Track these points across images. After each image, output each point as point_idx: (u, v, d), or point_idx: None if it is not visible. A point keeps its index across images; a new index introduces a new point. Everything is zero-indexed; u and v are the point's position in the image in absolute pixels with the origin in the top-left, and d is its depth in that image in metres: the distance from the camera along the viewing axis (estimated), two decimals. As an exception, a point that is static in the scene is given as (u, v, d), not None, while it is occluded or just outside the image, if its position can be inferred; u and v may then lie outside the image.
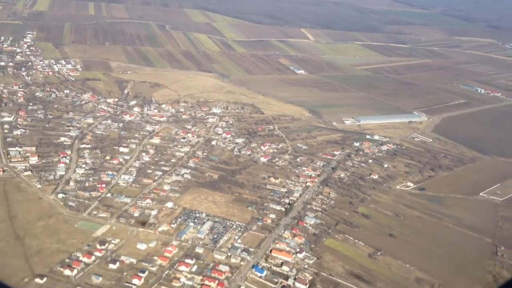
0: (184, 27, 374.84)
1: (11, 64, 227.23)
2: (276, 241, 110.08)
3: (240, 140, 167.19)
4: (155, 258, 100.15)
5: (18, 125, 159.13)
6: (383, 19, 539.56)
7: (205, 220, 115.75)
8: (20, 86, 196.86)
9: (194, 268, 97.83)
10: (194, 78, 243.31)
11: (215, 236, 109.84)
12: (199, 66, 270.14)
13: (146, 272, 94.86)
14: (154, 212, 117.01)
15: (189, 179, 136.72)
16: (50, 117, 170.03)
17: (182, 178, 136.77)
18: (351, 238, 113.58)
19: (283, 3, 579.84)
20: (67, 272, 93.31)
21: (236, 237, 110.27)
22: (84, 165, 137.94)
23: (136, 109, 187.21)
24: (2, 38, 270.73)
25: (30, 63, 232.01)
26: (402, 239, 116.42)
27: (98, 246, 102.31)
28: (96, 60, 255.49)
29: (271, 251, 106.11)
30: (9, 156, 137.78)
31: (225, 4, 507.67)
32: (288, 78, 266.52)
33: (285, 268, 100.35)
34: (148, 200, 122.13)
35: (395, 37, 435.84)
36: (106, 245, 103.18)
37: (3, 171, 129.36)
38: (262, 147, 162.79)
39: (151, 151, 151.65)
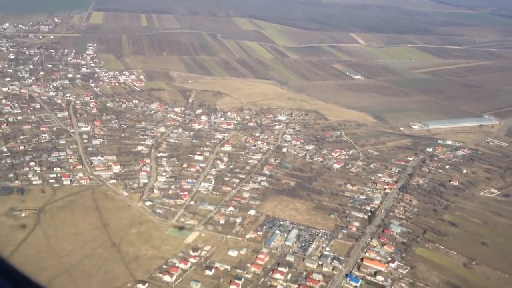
0: (234, 36, 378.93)
1: (78, 76, 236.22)
2: (365, 250, 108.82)
3: (310, 147, 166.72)
4: (248, 265, 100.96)
5: (95, 135, 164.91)
6: (432, 21, 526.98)
7: (290, 228, 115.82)
8: (91, 97, 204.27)
9: (289, 277, 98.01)
10: (253, 85, 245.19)
11: (303, 244, 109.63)
12: (255, 74, 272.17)
13: (242, 279, 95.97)
14: (238, 220, 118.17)
15: (267, 186, 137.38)
16: (124, 126, 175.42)
17: (260, 185, 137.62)
18: (442, 247, 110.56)
19: (328, 8, 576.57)
20: (166, 278, 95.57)
21: (324, 245, 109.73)
22: (164, 173, 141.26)
23: (203, 117, 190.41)
24: (66, 51, 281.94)
25: (96, 75, 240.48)
26: (496, 248, 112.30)
27: (191, 253, 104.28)
28: (157, 70, 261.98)
29: (362, 260, 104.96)
30: (92, 165, 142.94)
31: (271, 12, 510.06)
32: (346, 84, 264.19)
33: (379, 278, 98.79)
34: (231, 208, 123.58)
35: (448, 39, 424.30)
36: (199, 251, 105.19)
37: (90, 180, 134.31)
38: (333, 154, 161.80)
39: (225, 159, 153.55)
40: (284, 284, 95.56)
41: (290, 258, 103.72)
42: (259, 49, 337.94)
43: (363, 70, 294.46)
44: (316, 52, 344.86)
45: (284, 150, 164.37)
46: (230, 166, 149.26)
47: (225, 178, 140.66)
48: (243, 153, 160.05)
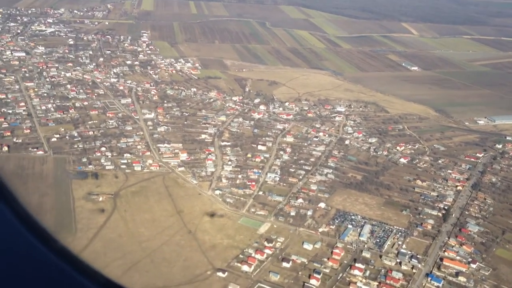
0: (283, 24, 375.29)
1: (136, 62, 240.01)
2: (444, 249, 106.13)
3: (373, 140, 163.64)
4: (325, 259, 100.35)
5: (160, 122, 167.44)
6: (486, 11, 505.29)
7: (362, 223, 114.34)
8: (151, 84, 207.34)
9: (367, 273, 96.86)
10: (308, 76, 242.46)
11: (378, 240, 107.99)
12: (309, 64, 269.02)
13: (321, 274, 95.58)
14: (309, 212, 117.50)
15: (333, 179, 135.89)
16: (186, 114, 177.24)
17: (326, 178, 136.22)
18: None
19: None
20: (244, 268, 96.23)
21: (400, 243, 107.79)
22: (229, 163, 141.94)
23: (262, 107, 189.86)
24: (122, 37, 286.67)
25: (153, 62, 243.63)
26: None
27: (266, 244, 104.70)
28: (211, 58, 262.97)
29: (441, 259, 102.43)
30: (160, 152, 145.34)
31: (319, 0, 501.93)
32: (402, 75, 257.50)
33: (461, 279, 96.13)
34: (300, 200, 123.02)
35: (505, 30, 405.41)
36: (273, 243, 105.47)
37: (159, 166, 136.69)
38: (398, 148, 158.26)
39: (288, 150, 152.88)
40: (364, 280, 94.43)
41: (366, 254, 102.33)
42: (310, 38, 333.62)
43: (419, 61, 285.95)
44: (368, 42, 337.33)
45: (347, 142, 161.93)
46: (294, 157, 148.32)
47: (291, 169, 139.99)
48: (305, 144, 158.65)
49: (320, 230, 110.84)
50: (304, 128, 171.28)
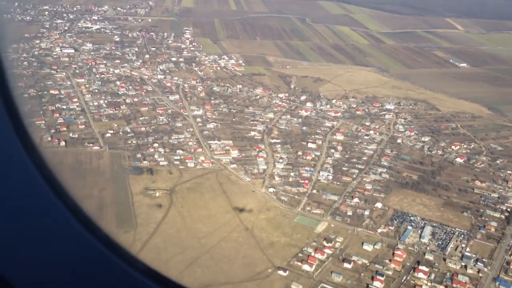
0: (324, 20, 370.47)
1: (181, 59, 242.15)
2: (510, 253, 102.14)
3: (426, 139, 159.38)
4: (387, 261, 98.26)
5: (208, 119, 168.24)
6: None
7: (422, 224, 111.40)
8: (197, 81, 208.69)
9: (432, 276, 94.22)
10: (353, 72, 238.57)
11: (440, 243, 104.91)
12: (353, 60, 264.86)
13: (384, 276, 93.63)
14: (366, 212, 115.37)
15: (388, 178, 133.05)
16: (234, 111, 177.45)
17: (380, 177, 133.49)
18: None
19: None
20: (305, 267, 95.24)
21: (463, 245, 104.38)
22: (281, 160, 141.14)
23: (308, 104, 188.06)
24: (165, 34, 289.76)
25: (197, 59, 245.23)
26: None
27: (325, 243, 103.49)
28: (253, 55, 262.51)
29: (508, 263, 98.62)
30: (211, 149, 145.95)
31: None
32: (451, 72, 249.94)
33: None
34: (356, 199, 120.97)
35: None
36: (333, 242, 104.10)
37: (212, 163, 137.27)
38: (453, 147, 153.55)
39: (339, 148, 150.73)
40: (429, 284, 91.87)
41: (429, 257, 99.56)
42: (352, 34, 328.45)
43: (467, 57, 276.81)
44: (412, 37, 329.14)
45: (399, 141, 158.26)
46: (346, 156, 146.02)
47: (343, 168, 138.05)
48: (356, 142, 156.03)
49: (379, 230, 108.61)
50: (354, 126, 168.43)
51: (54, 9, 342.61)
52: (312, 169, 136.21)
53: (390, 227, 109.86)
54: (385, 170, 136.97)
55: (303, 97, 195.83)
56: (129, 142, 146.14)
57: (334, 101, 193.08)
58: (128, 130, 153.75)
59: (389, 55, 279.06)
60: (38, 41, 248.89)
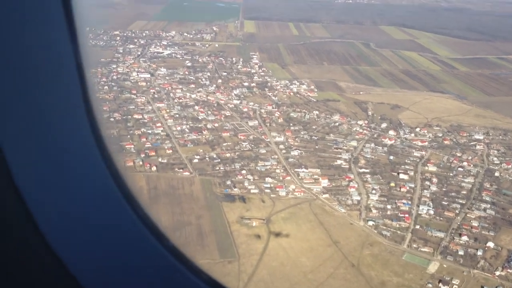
0: (388, 45, 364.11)
1: (253, 84, 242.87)
2: None
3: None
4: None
5: (291, 146, 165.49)
6: None
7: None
8: (273, 106, 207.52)
9: None
10: (431, 99, 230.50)
11: None
12: (427, 86, 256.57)
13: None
14: (479, 252, 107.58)
15: (494, 215, 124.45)
16: (315, 138, 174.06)
17: (485, 213, 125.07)
18: None
19: (481, 16, 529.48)
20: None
21: None
22: (373, 191, 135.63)
23: (391, 132, 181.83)
24: (234, 59, 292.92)
25: (268, 84, 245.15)
26: None
27: (441, 286, 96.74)
28: (324, 80, 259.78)
29: None
30: (300, 177, 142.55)
31: (420, 20, 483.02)
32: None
33: None
34: (465, 237, 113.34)
35: None
36: (449, 285, 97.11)
37: (303, 192, 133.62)
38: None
39: (434, 180, 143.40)
40: None
41: None
42: (421, 60, 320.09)
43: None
44: (486, 64, 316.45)
45: (497, 174, 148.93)
46: (443, 189, 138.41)
47: (443, 202, 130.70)
48: (451, 174, 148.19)
49: (497, 273, 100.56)
50: (445, 157, 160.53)
51: (124, 34, 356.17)
52: (409, 202, 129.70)
53: (509, 270, 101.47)
54: (489, 206, 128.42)
55: (383, 125, 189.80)
56: (217, 168, 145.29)
57: (417, 129, 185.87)
58: (214, 156, 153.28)
59: (464, 81, 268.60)
60: (114, 66, 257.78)
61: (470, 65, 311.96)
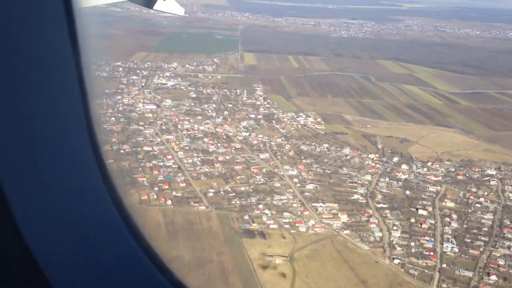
0: (388, 79, 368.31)
1: (259, 116, 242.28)
2: None
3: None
4: None
5: (305, 179, 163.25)
6: None
7: None
8: (283, 139, 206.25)
9: None
10: (438, 133, 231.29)
11: None
12: (432, 120, 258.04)
13: None
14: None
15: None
16: (328, 172, 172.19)
17: (510, 251, 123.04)
18: None
19: (474, 52, 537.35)
20: None
21: None
22: (395, 227, 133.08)
23: (404, 166, 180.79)
24: (238, 91, 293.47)
25: (275, 116, 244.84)
26: None
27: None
28: (329, 113, 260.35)
29: None
30: (318, 212, 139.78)
31: (416, 55, 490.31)
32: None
33: None
34: (494, 277, 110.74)
35: None
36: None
37: (323, 228, 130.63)
38: None
39: (454, 216, 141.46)
40: None
41: None
42: (422, 94, 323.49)
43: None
44: (486, 98, 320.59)
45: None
46: (464, 226, 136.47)
47: (466, 240, 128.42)
48: (469, 210, 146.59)
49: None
50: (461, 192, 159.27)
51: (126, 65, 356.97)
52: (432, 239, 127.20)
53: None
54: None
55: (395, 159, 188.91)
56: (233, 202, 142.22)
57: (429, 163, 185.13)
58: (229, 190, 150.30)
59: (468, 116, 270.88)
60: (119, 97, 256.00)
61: (471, 100, 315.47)
